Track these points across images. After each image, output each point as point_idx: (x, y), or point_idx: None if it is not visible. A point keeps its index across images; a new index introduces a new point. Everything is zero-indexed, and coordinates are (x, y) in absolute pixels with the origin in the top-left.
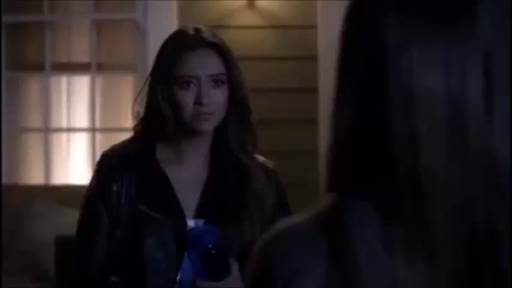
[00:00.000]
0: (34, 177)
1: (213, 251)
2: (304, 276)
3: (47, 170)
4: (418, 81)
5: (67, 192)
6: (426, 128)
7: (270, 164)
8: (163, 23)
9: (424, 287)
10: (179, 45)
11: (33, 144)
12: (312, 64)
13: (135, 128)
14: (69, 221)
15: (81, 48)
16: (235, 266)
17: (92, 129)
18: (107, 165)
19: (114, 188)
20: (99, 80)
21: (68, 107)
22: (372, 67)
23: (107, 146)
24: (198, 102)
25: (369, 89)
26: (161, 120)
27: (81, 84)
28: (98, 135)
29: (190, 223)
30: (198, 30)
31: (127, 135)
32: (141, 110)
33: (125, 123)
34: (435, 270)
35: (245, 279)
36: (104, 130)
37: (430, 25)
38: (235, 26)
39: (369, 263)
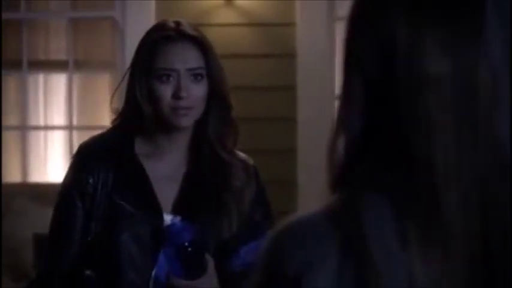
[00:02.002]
0: (11, 175)
1: (189, 249)
2: (317, 268)
3: (25, 168)
4: (428, 67)
5: (45, 190)
6: (438, 112)
7: (250, 160)
8: (141, 21)
9: (440, 279)
10: (159, 37)
11: (10, 142)
12: (290, 62)
13: (113, 121)
14: (47, 219)
15: (58, 46)
16: (211, 264)
17: (70, 127)
18: (84, 157)
19: (91, 180)
20: (76, 78)
21: (45, 105)
22: (382, 59)
23: None
24: (176, 95)
25: (380, 81)
26: (140, 114)
27: (59, 82)
28: (76, 133)
29: (167, 218)
30: (178, 23)
31: None
32: (119, 105)
33: (103, 121)
34: (450, 260)
35: (255, 269)
36: (82, 128)
37: (438, 14)
38: (213, 24)
39: (383, 256)
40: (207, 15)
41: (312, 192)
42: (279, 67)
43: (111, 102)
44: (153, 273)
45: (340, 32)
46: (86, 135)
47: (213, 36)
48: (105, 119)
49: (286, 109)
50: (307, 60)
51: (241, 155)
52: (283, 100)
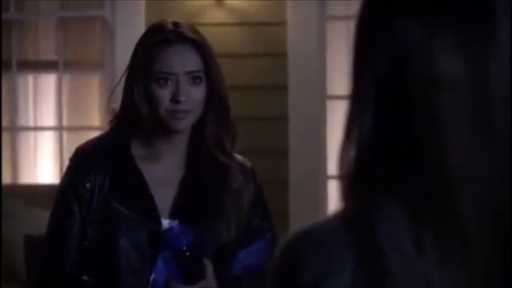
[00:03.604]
0: (2, 176)
1: (188, 253)
2: (333, 277)
3: (14, 169)
4: (441, 68)
5: (35, 191)
6: (451, 113)
7: (247, 162)
8: (131, 21)
9: (457, 285)
10: (157, 40)
11: None
12: (281, 61)
13: (110, 123)
14: (38, 220)
15: (48, 47)
16: (209, 268)
17: (59, 128)
18: (81, 161)
19: (88, 185)
20: (66, 78)
21: (35, 106)
22: (394, 60)
23: (74, 145)
24: (174, 99)
25: (392, 82)
26: (137, 116)
27: (48, 82)
28: (65, 134)
29: (165, 223)
30: (176, 25)
31: (94, 134)
32: (115, 105)
33: (93, 122)
34: (467, 268)
35: (268, 279)
36: (71, 129)
37: (449, 15)
38: (204, 23)
39: (399, 263)
40: (197, 15)
41: (303, 192)
42: (270, 67)
43: (107, 104)
44: (152, 278)
45: (331, 31)
46: (76, 136)
47: (204, 36)
48: (95, 120)
49: (278, 109)
50: (299, 60)
51: (239, 157)
52: (274, 100)
